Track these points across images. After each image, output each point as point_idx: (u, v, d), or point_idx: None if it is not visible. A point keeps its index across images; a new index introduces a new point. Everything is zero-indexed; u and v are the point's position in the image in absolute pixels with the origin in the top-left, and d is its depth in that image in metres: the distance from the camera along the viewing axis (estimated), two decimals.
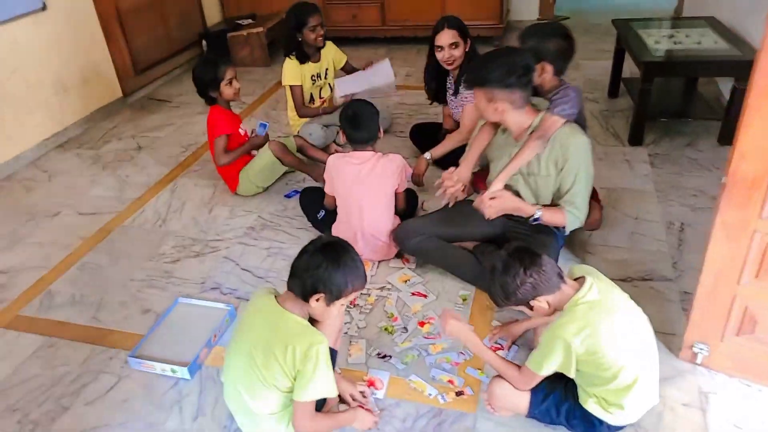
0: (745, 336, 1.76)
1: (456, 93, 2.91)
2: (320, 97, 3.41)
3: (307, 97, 3.34)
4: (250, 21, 5.13)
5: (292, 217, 2.82)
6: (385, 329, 2.12)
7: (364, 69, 3.38)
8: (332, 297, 1.54)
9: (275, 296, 1.61)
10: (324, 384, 1.51)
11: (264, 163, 2.90)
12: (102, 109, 4.12)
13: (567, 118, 2.04)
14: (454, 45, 2.76)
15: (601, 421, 1.60)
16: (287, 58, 3.25)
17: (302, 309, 1.57)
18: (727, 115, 3.08)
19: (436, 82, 3.02)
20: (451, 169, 2.25)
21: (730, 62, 2.95)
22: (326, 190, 2.46)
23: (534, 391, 1.65)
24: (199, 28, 5.18)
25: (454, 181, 2.21)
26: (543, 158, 2.07)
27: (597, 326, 1.47)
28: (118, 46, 4.23)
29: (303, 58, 3.22)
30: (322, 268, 1.50)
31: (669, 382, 1.84)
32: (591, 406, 1.59)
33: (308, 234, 2.67)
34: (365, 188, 2.31)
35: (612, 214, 2.65)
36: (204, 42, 5.14)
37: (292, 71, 3.23)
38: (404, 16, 5.10)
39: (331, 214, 2.51)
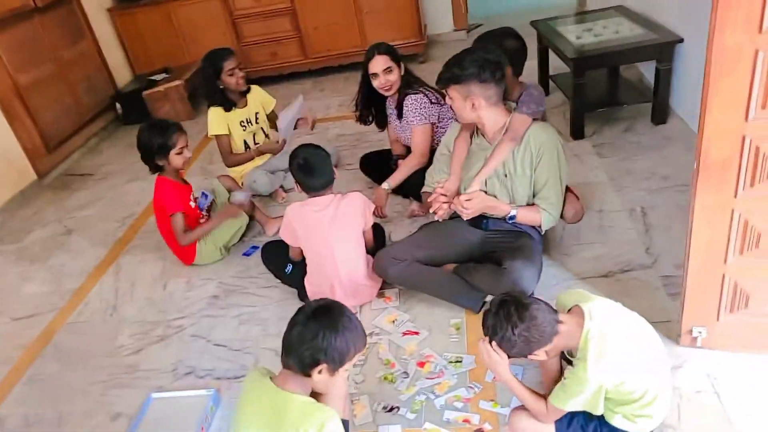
0: (739, 312, 1.77)
1: (400, 117, 2.86)
2: (255, 143, 3.26)
3: (240, 145, 3.20)
4: (164, 75, 4.92)
5: (257, 275, 2.65)
6: (385, 378, 2.00)
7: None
8: (335, 365, 1.42)
9: (270, 378, 1.46)
10: None
11: (230, 225, 2.75)
12: (17, 197, 3.77)
13: (534, 115, 2.10)
14: (389, 70, 2.72)
15: None
16: (211, 108, 3.12)
17: (304, 385, 1.44)
18: (656, 96, 3.20)
19: (374, 108, 2.95)
20: (439, 182, 2.20)
21: (651, 46, 3.06)
22: (290, 242, 2.32)
23: (559, 422, 1.58)
24: (109, 90, 4.90)
25: (447, 197, 2.14)
26: (518, 158, 2.09)
27: (619, 352, 1.42)
28: (24, 124, 3.92)
29: (228, 105, 3.09)
30: (320, 337, 1.38)
31: (676, 371, 1.82)
32: (618, 421, 1.53)
33: (279, 291, 2.52)
34: (334, 234, 2.19)
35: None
36: (118, 105, 4.87)
37: (216, 120, 3.10)
38: (325, 46, 5.05)
39: (300, 267, 2.37)
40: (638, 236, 2.45)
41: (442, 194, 2.13)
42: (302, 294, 2.39)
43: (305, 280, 2.34)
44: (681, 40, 2.98)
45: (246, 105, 3.18)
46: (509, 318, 1.44)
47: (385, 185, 2.75)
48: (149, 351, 2.34)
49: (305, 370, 1.41)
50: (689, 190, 2.57)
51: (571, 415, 1.58)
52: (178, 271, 2.80)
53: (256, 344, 2.26)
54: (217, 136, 3.14)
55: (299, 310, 1.48)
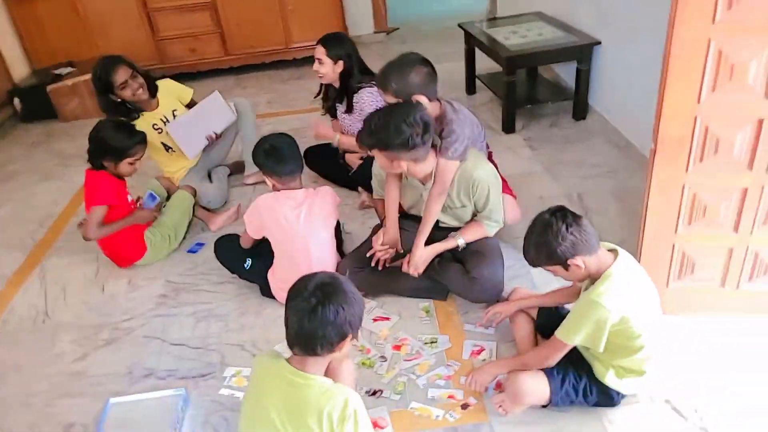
0: (686, 278, 1.97)
1: (349, 111, 2.87)
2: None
3: (160, 148, 2.91)
4: (70, 69, 4.54)
5: (207, 272, 2.53)
6: (363, 363, 1.99)
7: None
8: (356, 331, 1.40)
9: (286, 360, 1.42)
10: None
11: (182, 211, 2.59)
12: None
13: (460, 158, 2.05)
14: (320, 61, 2.75)
15: (617, 392, 1.68)
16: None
17: (322, 364, 1.41)
18: (577, 94, 3.47)
19: (327, 93, 2.98)
20: (379, 234, 2.20)
21: (573, 48, 3.32)
22: (250, 231, 2.23)
23: (551, 377, 1.67)
24: (5, 85, 4.44)
25: (386, 248, 2.18)
26: (453, 195, 2.12)
27: (633, 295, 1.55)
28: None
29: (131, 116, 2.78)
30: (342, 313, 1.33)
31: None
32: (610, 378, 1.65)
33: (234, 287, 2.42)
34: (310, 231, 2.14)
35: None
36: (16, 100, 4.42)
37: None
38: (248, 43, 4.91)
39: (260, 261, 2.30)
40: None
41: (381, 250, 2.17)
42: (265, 290, 2.31)
43: (270, 274, 2.27)
44: (599, 43, 3.26)
45: (157, 106, 2.88)
46: (564, 218, 1.53)
47: (336, 137, 2.85)
48: (96, 356, 2.15)
49: (332, 349, 1.37)
50: (616, 176, 2.90)
51: (564, 374, 1.68)
52: (117, 272, 2.61)
53: (219, 340, 2.16)
54: None
55: (296, 296, 1.38)
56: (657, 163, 1.76)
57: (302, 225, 2.13)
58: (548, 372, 1.68)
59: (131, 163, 2.43)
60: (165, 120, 2.90)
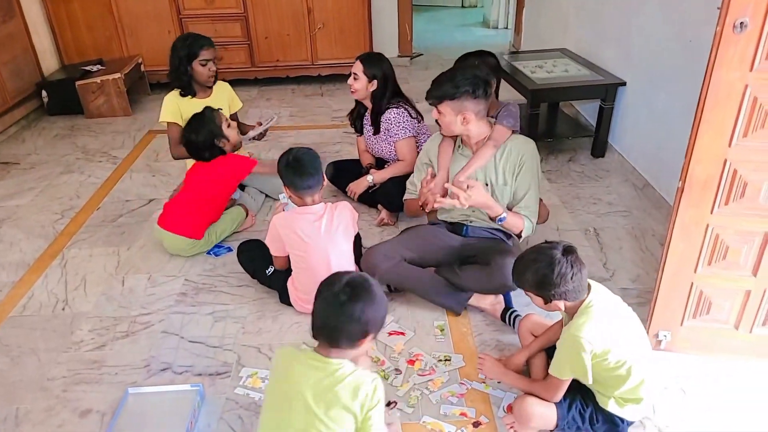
0: (701, 317, 2.01)
1: (376, 132, 2.93)
2: None
3: None
4: (99, 67, 4.63)
5: (226, 275, 2.57)
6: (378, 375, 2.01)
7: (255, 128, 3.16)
8: (378, 331, 1.50)
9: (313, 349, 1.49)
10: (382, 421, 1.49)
11: (232, 224, 2.77)
12: None
13: (514, 128, 2.26)
14: (355, 76, 2.81)
15: (622, 419, 1.70)
16: (168, 94, 2.95)
17: (347, 355, 1.48)
18: (598, 132, 3.54)
19: (357, 110, 3.04)
20: (429, 174, 2.27)
21: (599, 86, 3.40)
22: (274, 252, 2.26)
23: (559, 404, 1.71)
24: (35, 77, 4.53)
25: (429, 195, 2.22)
26: (499, 167, 2.21)
27: (611, 325, 1.61)
28: None
29: (187, 91, 2.93)
30: (366, 313, 1.41)
31: None
32: (612, 406, 1.68)
33: (253, 291, 2.45)
34: (330, 244, 2.17)
35: (538, 227, 2.86)
36: (44, 93, 4.50)
37: (168, 106, 2.92)
38: (274, 56, 5.02)
39: (280, 269, 2.34)
40: (594, 253, 2.68)
41: (430, 191, 2.22)
42: (284, 297, 2.35)
43: (289, 283, 2.30)
44: (624, 83, 3.35)
45: (209, 96, 3.01)
46: (573, 264, 1.57)
47: (369, 177, 2.89)
48: (114, 346, 2.17)
49: (353, 344, 1.45)
50: (632, 215, 2.95)
51: (571, 401, 1.72)
52: (137, 267, 2.64)
53: (236, 341, 2.19)
54: (168, 123, 2.94)
55: (327, 290, 1.45)
56: (683, 202, 1.81)
57: (322, 237, 2.16)
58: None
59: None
60: None
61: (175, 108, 2.92)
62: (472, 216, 2.32)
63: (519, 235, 2.27)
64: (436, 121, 2.21)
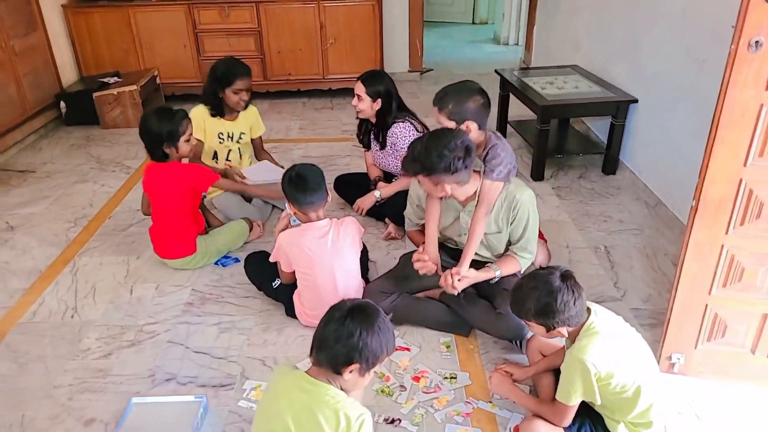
0: (715, 341, 1.96)
1: (383, 147, 2.93)
2: (227, 160, 3.12)
3: (209, 155, 3.06)
4: (116, 79, 4.70)
5: (233, 285, 2.57)
6: (382, 391, 1.99)
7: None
8: (367, 366, 1.43)
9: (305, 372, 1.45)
10: None
11: (235, 237, 2.75)
12: None
13: (504, 179, 2.11)
14: (358, 97, 2.81)
15: None
16: (196, 107, 2.98)
17: (334, 381, 1.44)
18: (609, 149, 3.52)
19: (364, 126, 3.03)
20: (420, 250, 2.21)
21: (609, 103, 3.39)
22: (284, 268, 2.26)
23: (566, 428, 1.67)
24: (54, 88, 4.60)
25: (428, 265, 2.16)
26: (492, 218, 2.14)
27: (611, 346, 1.57)
28: None
29: (216, 111, 2.98)
30: (356, 336, 1.39)
31: None
32: (621, 431, 1.64)
33: (259, 302, 2.45)
34: (336, 260, 2.17)
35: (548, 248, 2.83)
36: (62, 104, 4.57)
37: (195, 122, 2.85)
38: (286, 70, 5.07)
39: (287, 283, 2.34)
40: (605, 272, 2.65)
41: (420, 260, 2.16)
42: (290, 311, 2.34)
43: (295, 298, 2.30)
44: (636, 101, 3.33)
45: (235, 119, 3.06)
46: (574, 290, 1.55)
47: (377, 193, 2.86)
48: (120, 355, 2.18)
49: (337, 369, 1.41)
50: (643, 234, 2.92)
51: (579, 425, 1.68)
52: (145, 277, 2.65)
53: (240, 353, 2.18)
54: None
55: (334, 307, 1.47)
56: (696, 222, 1.78)
57: (328, 253, 2.15)
58: None
59: (187, 140, 2.55)
60: (230, 135, 3.06)
61: (201, 123, 2.95)
62: None
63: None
64: None
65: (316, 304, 2.21)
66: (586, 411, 1.70)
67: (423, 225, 2.32)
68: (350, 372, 1.42)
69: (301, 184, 2.16)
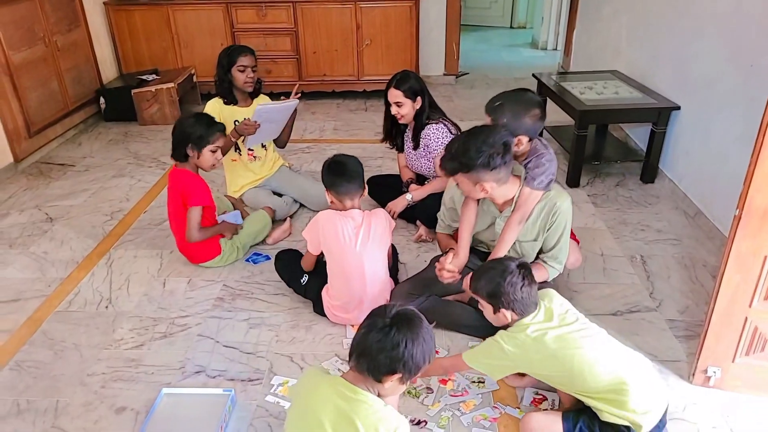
0: (754, 355, 1.89)
1: (416, 147, 2.92)
2: (249, 150, 3.12)
3: (231, 149, 3.05)
4: (154, 76, 4.80)
5: (263, 282, 2.59)
6: (408, 393, 1.98)
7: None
8: (409, 376, 1.40)
9: (340, 376, 1.44)
10: None
11: (259, 229, 2.72)
12: None
13: (544, 189, 2.06)
14: (398, 104, 2.79)
15: (628, 428, 1.64)
16: (210, 100, 3.04)
17: (372, 387, 1.42)
18: (648, 156, 3.44)
19: (394, 129, 3.02)
20: (449, 255, 2.17)
21: (650, 109, 3.31)
22: (310, 248, 2.28)
23: (566, 421, 1.68)
24: (95, 84, 4.73)
25: (453, 271, 2.14)
26: (529, 225, 2.09)
27: (535, 354, 1.66)
28: (9, 104, 3.71)
29: (228, 100, 3.01)
30: (401, 347, 1.35)
31: (692, 407, 1.92)
32: (608, 417, 1.63)
33: (288, 300, 2.46)
34: (366, 251, 2.17)
35: (581, 252, 2.78)
36: (102, 99, 4.70)
37: (208, 110, 2.94)
38: (321, 71, 5.11)
39: (317, 278, 2.34)
40: (641, 281, 2.58)
41: (449, 271, 2.13)
42: (317, 307, 2.35)
43: (324, 294, 2.30)
44: (678, 107, 3.24)
45: (249, 106, 3.07)
46: (525, 278, 1.69)
47: (408, 196, 2.87)
48: (152, 347, 2.21)
49: (378, 377, 1.38)
50: (682, 244, 2.84)
51: (576, 419, 1.68)
52: (179, 270, 2.69)
53: (269, 349, 2.19)
54: None
55: (375, 315, 1.43)
56: (739, 232, 1.72)
57: (360, 243, 2.17)
58: (564, 415, 1.70)
59: (213, 151, 2.54)
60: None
61: (217, 113, 2.97)
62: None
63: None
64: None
65: (343, 293, 2.22)
66: (582, 409, 1.69)
67: (454, 229, 2.31)
68: (391, 381, 1.39)
69: (339, 171, 2.19)
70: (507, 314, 1.70)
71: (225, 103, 3.02)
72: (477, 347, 1.78)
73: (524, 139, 2.10)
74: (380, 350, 1.35)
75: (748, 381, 1.94)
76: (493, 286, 1.69)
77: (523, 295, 1.67)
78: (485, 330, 2.21)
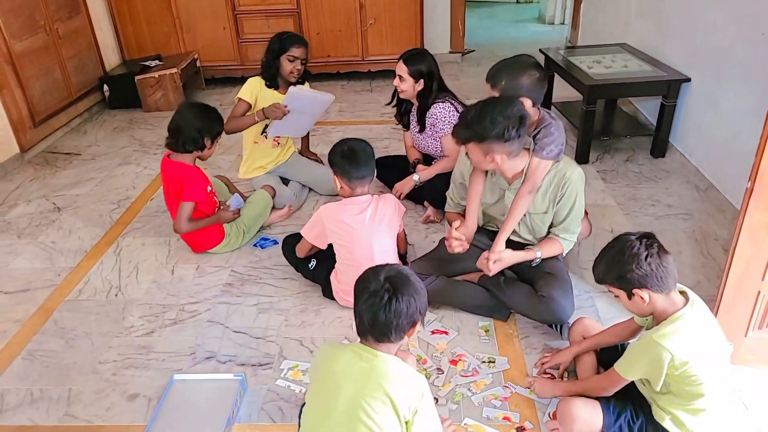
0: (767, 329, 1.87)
1: (422, 130, 2.89)
2: (275, 137, 3.10)
3: (259, 130, 3.02)
4: (157, 62, 4.77)
5: (271, 267, 2.59)
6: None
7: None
8: (423, 318, 1.50)
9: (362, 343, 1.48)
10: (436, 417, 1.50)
11: (261, 209, 2.68)
12: None
13: (554, 159, 2.04)
14: (400, 78, 2.76)
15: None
16: (255, 77, 2.98)
17: (391, 349, 1.47)
18: (658, 130, 3.38)
19: (403, 109, 2.99)
20: (456, 223, 2.17)
21: (661, 82, 3.24)
22: (312, 240, 2.26)
23: (606, 410, 1.63)
24: (98, 71, 4.71)
25: (461, 239, 2.13)
26: (539, 196, 2.08)
27: (699, 342, 1.48)
28: (12, 94, 3.71)
29: (273, 83, 2.97)
30: (412, 305, 1.41)
31: None
32: (668, 423, 1.58)
33: (297, 284, 2.46)
34: (375, 235, 2.15)
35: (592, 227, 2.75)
36: (105, 87, 4.68)
37: (249, 88, 2.93)
38: (325, 52, 5.05)
39: (325, 263, 2.33)
40: None
41: (457, 238, 2.12)
42: (327, 290, 2.34)
43: (332, 278, 2.30)
44: (688, 80, 3.17)
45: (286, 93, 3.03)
46: (649, 247, 1.47)
47: (416, 177, 2.84)
48: (162, 333, 2.23)
49: (404, 336, 1.44)
50: (693, 218, 2.80)
51: (619, 411, 1.62)
52: (187, 257, 2.70)
53: (279, 333, 2.20)
54: (240, 99, 2.92)
55: (366, 289, 1.42)
56: (752, 204, 1.69)
57: (366, 228, 2.14)
58: (604, 404, 1.64)
59: (290, 60, 2.70)
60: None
61: (256, 91, 2.95)
62: (516, 226, 2.17)
63: None
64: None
65: (351, 277, 2.15)
66: (630, 397, 1.64)
67: (463, 207, 2.29)
68: (414, 330, 1.46)
69: (354, 158, 2.15)
70: (643, 295, 1.48)
71: (267, 85, 2.97)
72: (628, 355, 1.56)
73: (527, 102, 2.07)
74: (399, 317, 1.39)
75: (762, 355, 1.92)
76: (615, 266, 1.49)
77: (653, 267, 1.45)
78: (495, 310, 2.22)
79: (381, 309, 1.38)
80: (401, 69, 2.76)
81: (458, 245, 2.13)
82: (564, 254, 2.20)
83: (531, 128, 2.10)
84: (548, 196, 2.07)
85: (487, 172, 2.15)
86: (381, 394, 1.36)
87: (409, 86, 2.77)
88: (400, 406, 1.37)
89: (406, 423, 1.40)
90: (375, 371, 1.39)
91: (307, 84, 3.10)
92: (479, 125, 1.89)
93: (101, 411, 1.89)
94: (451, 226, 2.35)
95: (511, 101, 1.95)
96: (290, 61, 2.89)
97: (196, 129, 2.47)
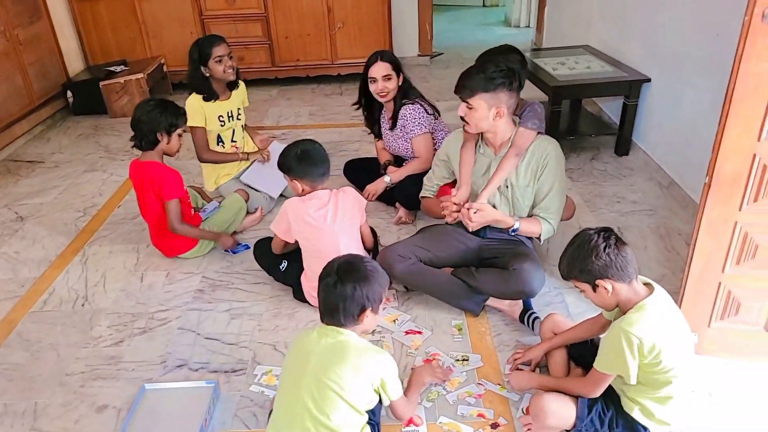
0: (729, 319, 1.94)
1: (393, 128, 2.91)
2: (232, 141, 3.10)
3: (213, 141, 3.02)
4: (123, 68, 4.69)
5: (243, 272, 2.57)
6: None
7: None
8: (377, 306, 1.63)
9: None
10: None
11: (233, 213, 2.64)
12: None
13: (538, 129, 2.16)
14: (388, 77, 2.77)
15: (644, 427, 1.63)
16: (190, 96, 2.93)
17: (355, 330, 1.62)
18: (621, 129, 3.46)
19: (372, 115, 2.99)
20: (453, 191, 2.24)
21: (623, 83, 3.33)
22: (281, 235, 2.26)
23: (580, 404, 1.66)
24: (61, 77, 4.61)
25: (460, 205, 2.17)
26: (521, 168, 2.16)
27: (666, 328, 1.52)
28: None
29: (210, 95, 2.92)
30: (357, 291, 1.55)
31: None
32: (637, 414, 1.62)
33: (269, 288, 2.45)
34: (338, 229, 2.17)
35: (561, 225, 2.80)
36: (69, 93, 4.58)
37: (192, 110, 2.85)
38: (294, 56, 5.04)
39: (295, 264, 2.33)
40: None
41: (455, 203, 2.16)
42: (298, 292, 2.34)
43: (302, 278, 2.29)
44: (649, 80, 3.27)
45: (229, 98, 3.01)
46: (607, 239, 1.52)
47: (387, 178, 2.89)
48: (132, 343, 2.19)
49: (356, 319, 1.59)
50: (657, 214, 2.87)
51: (592, 402, 1.66)
52: (156, 264, 2.66)
53: (252, 338, 2.18)
54: (192, 128, 2.88)
55: (323, 274, 1.61)
56: (710, 199, 1.74)
57: (329, 222, 2.17)
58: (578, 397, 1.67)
59: (180, 135, 2.52)
60: (230, 115, 3.01)
61: (201, 110, 2.91)
62: (498, 202, 2.23)
63: (538, 238, 2.23)
64: (462, 117, 2.12)
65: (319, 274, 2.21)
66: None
67: (442, 186, 2.45)
68: (366, 317, 1.60)
69: (310, 159, 2.19)
70: (606, 285, 1.52)
71: (204, 99, 2.92)
72: (603, 351, 1.59)
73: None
74: (345, 300, 1.55)
75: (724, 345, 1.98)
76: (576, 260, 1.55)
77: (612, 257, 1.50)
78: (468, 298, 2.24)
79: (329, 292, 1.57)
80: (385, 68, 2.76)
81: (456, 209, 2.16)
82: (541, 241, 2.26)
83: (516, 109, 2.23)
84: (531, 167, 2.15)
85: (475, 147, 2.24)
86: (347, 363, 1.51)
87: (395, 84, 2.80)
88: (366, 372, 1.52)
89: (376, 392, 1.57)
90: (340, 344, 1.55)
91: (241, 84, 3.11)
92: (485, 74, 2.00)
93: (69, 424, 1.85)
94: (432, 214, 2.47)
95: (507, 57, 2.24)
96: (218, 62, 2.85)
97: (155, 120, 2.44)
